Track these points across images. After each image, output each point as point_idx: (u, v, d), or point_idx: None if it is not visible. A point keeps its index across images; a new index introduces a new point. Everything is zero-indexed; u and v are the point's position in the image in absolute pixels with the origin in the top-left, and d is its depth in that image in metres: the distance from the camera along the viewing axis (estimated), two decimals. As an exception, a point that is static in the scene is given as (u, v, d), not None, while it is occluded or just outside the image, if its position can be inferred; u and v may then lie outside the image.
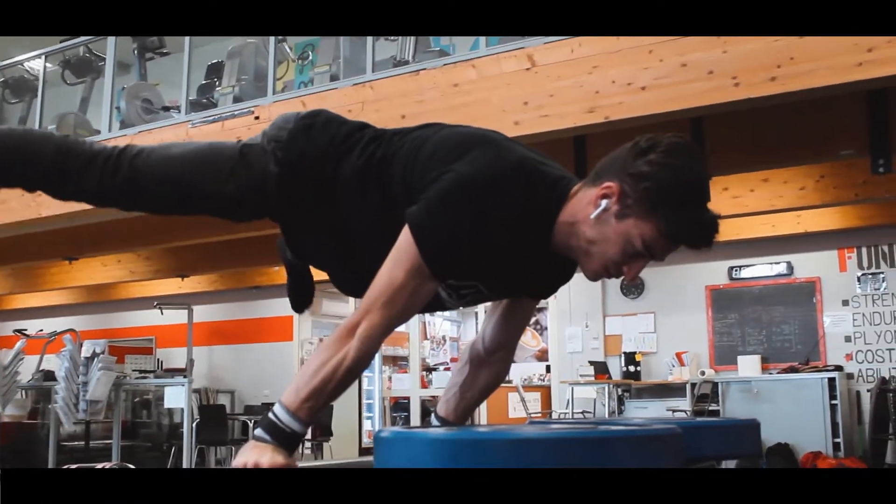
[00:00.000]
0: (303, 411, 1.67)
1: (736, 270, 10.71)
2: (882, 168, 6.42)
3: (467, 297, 1.95)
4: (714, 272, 10.78)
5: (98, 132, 8.06)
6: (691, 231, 1.75)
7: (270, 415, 1.72)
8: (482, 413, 11.03)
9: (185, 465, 8.52)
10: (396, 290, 1.68)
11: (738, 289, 10.69)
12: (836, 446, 9.71)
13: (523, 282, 1.97)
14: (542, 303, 11.89)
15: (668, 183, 1.68)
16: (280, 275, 12.73)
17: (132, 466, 5.49)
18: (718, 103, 5.10)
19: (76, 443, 10.41)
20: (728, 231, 9.95)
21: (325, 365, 1.67)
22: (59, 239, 9.57)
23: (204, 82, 7.91)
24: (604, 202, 1.71)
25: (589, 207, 1.73)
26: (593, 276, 1.82)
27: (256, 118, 6.73)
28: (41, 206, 7.88)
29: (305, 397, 1.67)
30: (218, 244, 9.98)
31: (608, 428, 1.22)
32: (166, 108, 8.10)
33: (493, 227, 1.69)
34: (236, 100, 7.16)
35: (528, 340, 16.14)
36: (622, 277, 1.80)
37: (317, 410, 1.69)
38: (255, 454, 1.65)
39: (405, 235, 1.70)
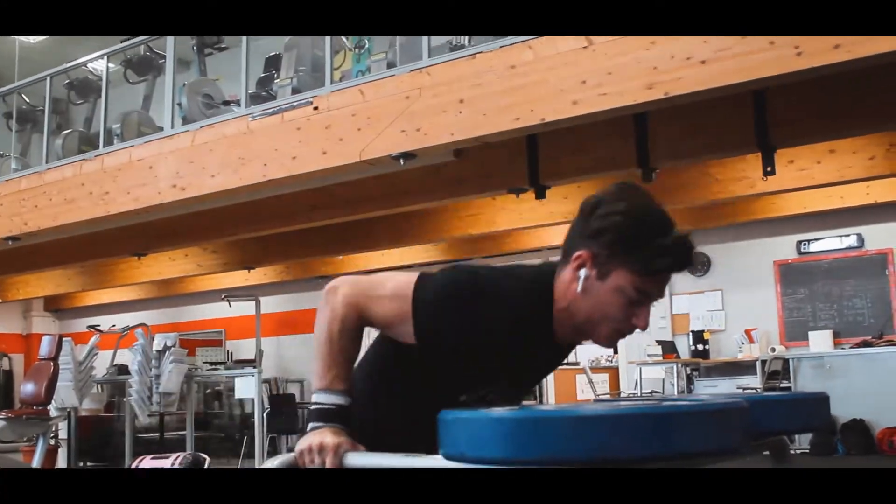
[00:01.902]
0: (332, 382, 1.75)
1: (805, 244, 10.53)
2: (954, 134, 6.26)
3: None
4: (782, 247, 10.61)
5: (161, 129, 8.17)
6: (666, 259, 1.73)
7: (312, 406, 1.78)
8: (550, 395, 11.01)
9: (257, 455, 8.64)
10: (380, 293, 1.81)
11: (807, 263, 10.51)
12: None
13: (523, 376, 2.01)
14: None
15: (624, 226, 1.73)
16: (345, 264, 12.90)
17: (206, 457, 5.57)
18: (781, 74, 5.00)
19: (151, 434, 10.62)
20: (795, 204, 9.81)
21: (322, 334, 1.79)
22: (127, 236, 9.73)
23: (262, 75, 7.99)
24: (582, 272, 1.76)
25: (572, 284, 1.78)
26: (608, 342, 1.84)
27: (315, 108, 6.77)
28: (109, 204, 8.03)
29: (325, 370, 1.76)
30: (282, 235, 10.07)
31: (673, 403, 1.21)
32: (227, 103, 8.19)
33: (489, 326, 1.76)
34: (295, 91, 7.21)
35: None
36: (638, 326, 1.80)
37: (344, 376, 1.77)
38: (315, 436, 1.68)
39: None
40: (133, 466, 5.61)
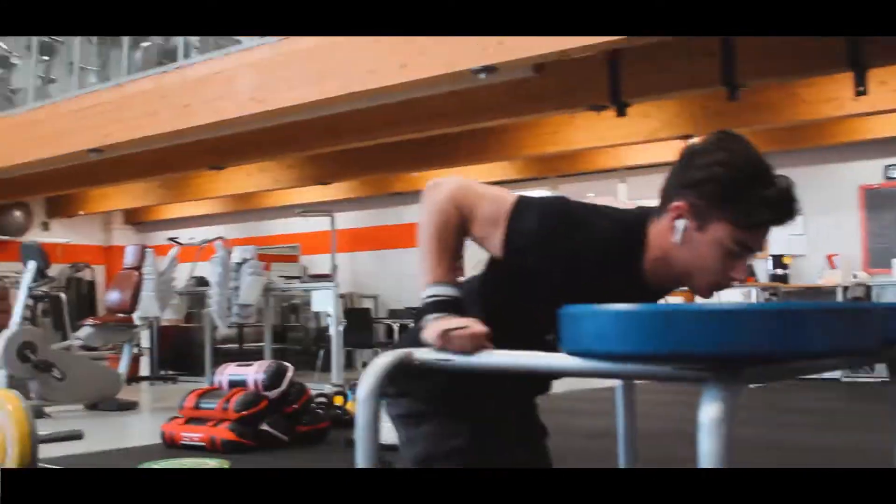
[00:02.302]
0: (445, 275, 1.71)
1: (892, 169, 10.25)
2: None
3: None
4: (868, 171, 10.34)
5: (240, 41, 8.16)
6: (767, 211, 1.66)
7: (428, 298, 1.71)
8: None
9: (333, 368, 8.75)
10: (482, 192, 1.79)
11: (894, 188, 10.25)
12: None
13: None
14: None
15: (725, 176, 1.67)
16: (421, 181, 12.86)
17: (289, 365, 5.69)
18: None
19: (230, 345, 10.85)
20: (884, 127, 9.55)
21: (429, 227, 1.73)
22: (206, 149, 9.81)
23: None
24: (680, 223, 1.71)
25: (669, 234, 1.73)
26: (706, 293, 1.78)
27: (397, 21, 6.69)
28: (190, 117, 8.08)
29: (436, 263, 1.71)
30: (359, 151, 10.09)
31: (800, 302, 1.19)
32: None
33: (576, 261, 1.74)
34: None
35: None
36: (735, 279, 1.75)
37: (451, 266, 1.73)
38: (440, 323, 1.62)
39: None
40: (218, 373, 5.77)
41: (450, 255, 1.71)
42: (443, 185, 1.76)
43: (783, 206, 1.67)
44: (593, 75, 7.45)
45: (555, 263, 1.72)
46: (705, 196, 1.68)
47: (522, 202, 1.77)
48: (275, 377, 5.41)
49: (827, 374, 9.59)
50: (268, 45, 7.56)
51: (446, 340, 1.57)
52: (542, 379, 1.94)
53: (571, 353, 1.30)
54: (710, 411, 1.10)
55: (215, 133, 8.80)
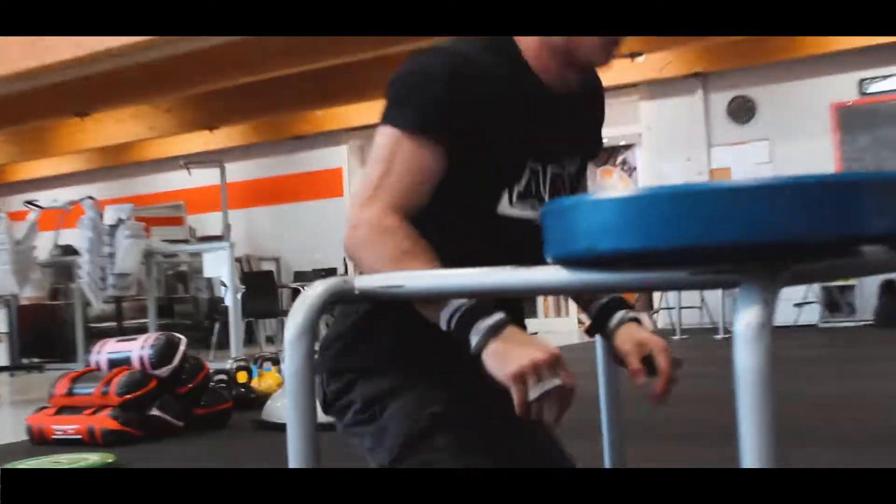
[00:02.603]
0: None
1: (867, 83, 10.36)
2: None
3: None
4: (841, 86, 10.43)
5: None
6: None
7: (457, 310, 1.50)
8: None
9: (232, 343, 8.58)
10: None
11: (870, 105, 10.34)
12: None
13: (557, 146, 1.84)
14: (629, 139, 11.66)
15: None
16: (326, 120, 12.71)
17: (181, 337, 5.51)
18: None
19: (107, 324, 10.58)
20: (857, 36, 9.62)
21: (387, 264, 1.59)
22: (67, 92, 9.50)
23: None
24: None
25: None
26: (605, 54, 1.71)
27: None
28: (46, 53, 7.78)
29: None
30: (251, 87, 9.85)
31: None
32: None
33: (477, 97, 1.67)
34: None
35: (615, 184, 15.99)
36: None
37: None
38: (529, 349, 1.43)
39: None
40: (95, 352, 5.56)
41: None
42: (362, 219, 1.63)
43: None
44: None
45: (459, 113, 1.64)
46: None
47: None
48: (164, 352, 5.22)
49: (803, 320, 9.71)
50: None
51: (534, 375, 1.39)
52: (516, 311, 1.76)
53: (561, 260, 1.18)
54: (747, 317, 0.99)
55: (77, 73, 8.51)
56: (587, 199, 1.08)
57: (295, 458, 1.36)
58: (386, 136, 1.64)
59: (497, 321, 1.44)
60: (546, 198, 1.77)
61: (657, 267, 1.10)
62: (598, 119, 2.00)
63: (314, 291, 1.37)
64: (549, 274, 1.20)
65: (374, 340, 1.77)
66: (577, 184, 1.93)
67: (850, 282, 10.07)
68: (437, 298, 1.47)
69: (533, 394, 1.38)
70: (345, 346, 1.80)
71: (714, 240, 0.98)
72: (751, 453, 0.98)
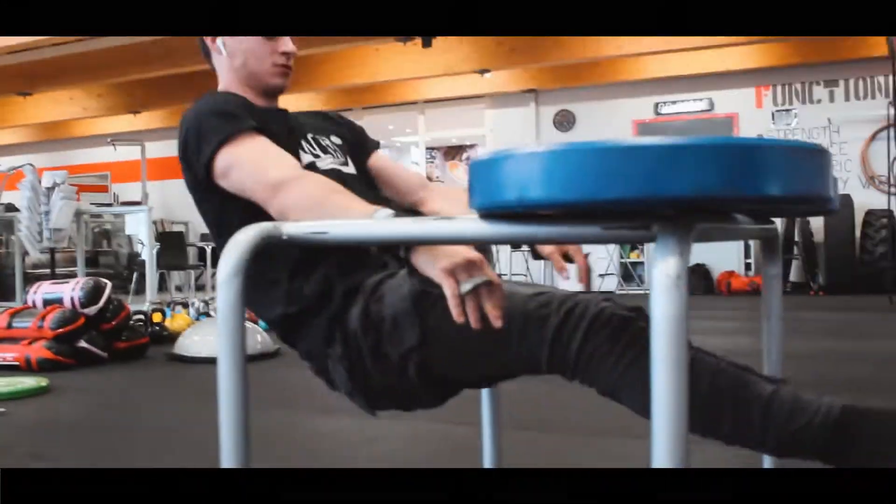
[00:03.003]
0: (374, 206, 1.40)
1: (661, 105, 10.50)
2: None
3: (330, 152, 1.80)
4: (641, 107, 10.55)
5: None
6: None
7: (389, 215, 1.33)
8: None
9: (148, 289, 8.19)
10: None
11: (662, 123, 10.49)
12: (747, 266, 9.79)
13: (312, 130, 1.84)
14: (474, 139, 11.56)
15: None
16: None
17: (107, 281, 5.17)
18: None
19: (41, 270, 10.00)
20: (656, 68, 9.75)
21: (319, 201, 1.46)
22: (11, 74, 8.95)
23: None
24: (217, 41, 1.79)
25: (221, 60, 1.81)
26: (279, 76, 1.79)
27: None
28: (-5, 38, 7.28)
29: (355, 203, 1.42)
30: (170, 79, 9.42)
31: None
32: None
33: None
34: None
35: (460, 175, 15.92)
36: (288, 49, 1.79)
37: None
38: (441, 253, 1.25)
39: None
40: (31, 292, 5.19)
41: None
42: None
43: None
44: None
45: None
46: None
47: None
48: (93, 294, 4.88)
49: (605, 287, 9.79)
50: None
51: (464, 272, 1.22)
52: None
53: (484, 215, 1.02)
54: (667, 267, 0.85)
55: (21, 58, 8.01)
56: (519, 150, 0.92)
57: (227, 388, 1.16)
58: (235, 147, 1.57)
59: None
60: (320, 154, 1.75)
61: (576, 220, 0.95)
62: (340, 123, 1.97)
63: (245, 236, 1.18)
64: (474, 226, 1.03)
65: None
66: (350, 153, 1.87)
67: (640, 259, 10.20)
68: (360, 246, 1.30)
69: (465, 287, 1.21)
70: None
71: (638, 193, 0.84)
72: (664, 395, 0.85)
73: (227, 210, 1.63)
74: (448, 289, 1.21)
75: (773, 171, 0.87)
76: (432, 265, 1.23)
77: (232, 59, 1.77)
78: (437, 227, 1.09)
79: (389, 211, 1.28)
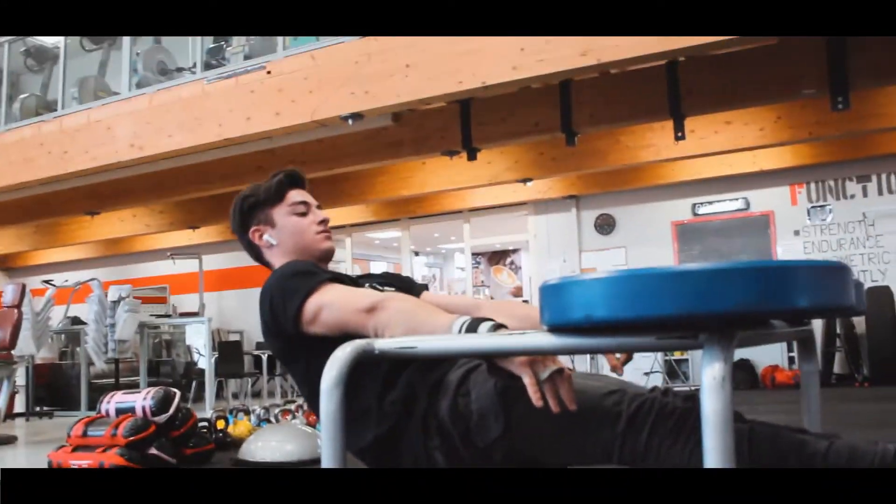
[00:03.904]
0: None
1: (699, 206, 10.64)
2: (840, 105, 6.35)
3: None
4: (679, 209, 10.70)
5: (117, 93, 7.83)
6: (273, 183, 2.11)
7: (469, 325, 1.49)
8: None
9: (207, 397, 8.39)
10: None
11: (700, 223, 10.63)
12: (790, 360, 9.75)
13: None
14: (517, 244, 11.76)
15: (246, 196, 2.12)
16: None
17: (176, 391, 5.36)
18: (692, 46, 4.96)
19: (105, 380, 10.25)
20: (691, 171, 9.92)
21: (411, 318, 1.64)
22: (82, 195, 9.34)
23: (212, 46, 7.66)
24: (264, 235, 2.09)
25: (270, 248, 2.10)
26: (325, 244, 2.10)
27: (268, 73, 6.54)
28: (68, 163, 7.66)
29: (442, 316, 1.59)
30: (227, 196, 9.73)
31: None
32: (180, 69, 7.87)
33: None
34: (247, 58, 6.93)
35: (504, 279, 16.09)
36: (323, 219, 2.11)
37: None
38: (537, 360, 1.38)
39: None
40: (105, 402, 5.37)
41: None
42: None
43: (279, 174, 2.11)
44: (446, 125, 7.48)
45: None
46: (251, 213, 2.08)
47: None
48: (163, 403, 5.07)
49: (650, 385, 9.77)
50: (145, 94, 7.28)
51: (540, 364, 1.37)
52: None
53: (553, 330, 1.17)
54: (713, 371, 1.00)
55: (92, 180, 8.37)
56: (584, 276, 1.08)
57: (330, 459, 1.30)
58: (320, 295, 1.76)
59: (494, 324, 1.43)
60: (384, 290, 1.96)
61: (632, 333, 1.10)
62: (388, 276, 2.22)
63: (343, 352, 1.34)
64: (544, 339, 1.19)
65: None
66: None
67: (685, 356, 10.22)
68: (445, 358, 1.45)
69: (543, 375, 1.35)
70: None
71: (687, 309, 0.99)
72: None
73: (317, 363, 1.77)
74: (527, 378, 1.36)
75: (800, 287, 1.02)
76: (512, 360, 1.38)
77: (283, 244, 2.04)
78: (514, 342, 1.24)
79: (466, 317, 1.45)
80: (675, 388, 1.50)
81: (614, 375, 1.66)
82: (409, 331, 1.50)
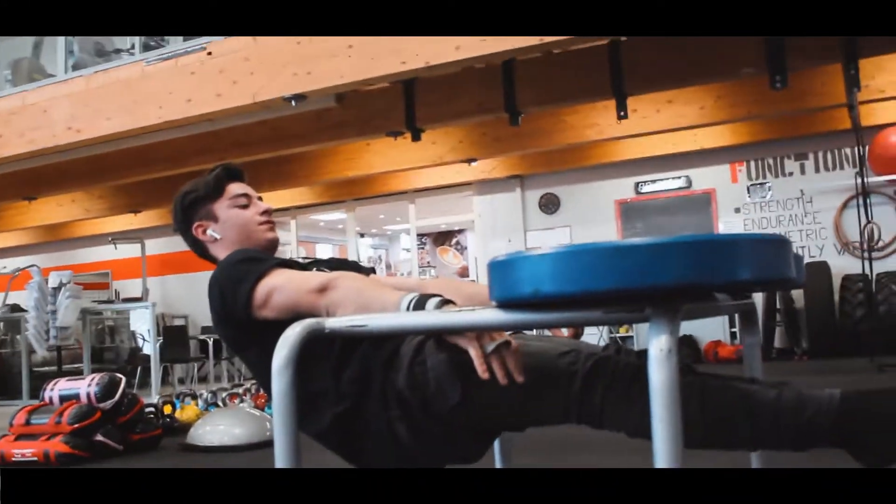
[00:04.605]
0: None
1: (642, 185, 10.76)
2: (779, 84, 6.46)
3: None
4: (622, 187, 10.81)
5: (53, 76, 7.65)
6: (212, 176, 2.12)
7: (424, 300, 1.49)
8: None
9: (154, 383, 8.30)
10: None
11: (643, 201, 10.75)
12: (732, 335, 9.94)
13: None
14: (463, 224, 11.79)
15: (187, 193, 2.14)
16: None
17: (121, 376, 5.29)
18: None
19: (48, 368, 10.08)
20: (634, 150, 10.01)
21: (357, 296, 1.64)
22: (18, 180, 9.13)
23: (151, 25, 7.50)
24: (208, 230, 2.08)
25: (213, 243, 2.09)
26: (267, 231, 2.10)
27: (209, 53, 6.43)
28: (3, 147, 7.47)
29: (387, 293, 1.59)
30: (168, 179, 9.61)
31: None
32: (118, 51, 7.71)
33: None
34: (186, 39, 6.81)
35: (450, 260, 16.13)
36: (264, 210, 2.12)
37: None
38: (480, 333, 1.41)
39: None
40: (48, 389, 5.29)
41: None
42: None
43: (214, 171, 2.12)
44: (390, 105, 7.44)
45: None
46: (192, 209, 2.09)
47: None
48: (108, 389, 5.00)
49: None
50: (83, 76, 7.12)
51: (486, 336, 1.39)
52: None
53: (502, 305, 1.19)
54: (659, 343, 1.02)
55: (29, 164, 8.18)
56: (532, 252, 1.09)
57: (282, 462, 1.31)
58: (269, 279, 1.74)
59: (441, 299, 1.44)
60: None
61: (580, 307, 1.12)
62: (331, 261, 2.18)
63: (293, 331, 1.34)
64: (492, 315, 1.21)
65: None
66: None
67: (630, 332, 10.36)
68: (395, 335, 1.46)
69: (488, 348, 1.37)
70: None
71: (633, 283, 1.01)
72: (663, 451, 1.00)
73: (268, 347, 1.75)
74: (473, 350, 1.37)
75: (742, 260, 1.04)
76: (460, 334, 1.40)
77: (227, 238, 2.04)
78: (463, 318, 1.26)
79: (414, 294, 1.46)
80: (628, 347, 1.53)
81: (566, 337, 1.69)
82: (359, 308, 1.51)
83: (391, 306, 1.46)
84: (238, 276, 1.76)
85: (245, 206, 2.06)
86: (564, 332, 1.67)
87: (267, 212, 2.08)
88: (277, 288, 1.72)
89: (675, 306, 1.04)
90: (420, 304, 1.42)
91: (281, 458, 1.31)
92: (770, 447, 1.46)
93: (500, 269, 1.15)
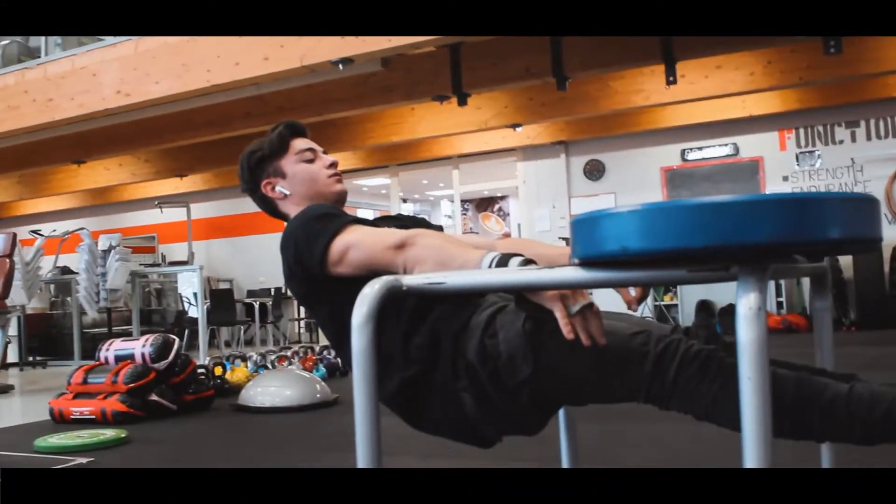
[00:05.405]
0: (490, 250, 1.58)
1: (688, 152, 10.66)
2: (833, 49, 6.35)
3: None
4: (668, 154, 10.72)
5: (102, 39, 7.70)
6: (277, 133, 2.15)
7: (499, 260, 1.50)
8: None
9: (200, 345, 8.41)
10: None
11: (689, 169, 10.65)
12: (779, 305, 9.85)
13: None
14: (506, 191, 11.80)
15: (252, 152, 2.16)
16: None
17: (175, 337, 5.39)
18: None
19: (98, 330, 10.26)
20: (681, 116, 9.91)
21: (439, 255, 1.63)
22: (68, 144, 9.26)
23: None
24: (277, 186, 2.09)
25: (284, 199, 2.10)
26: (336, 182, 2.11)
27: (258, 18, 6.45)
28: (54, 111, 7.57)
29: (471, 251, 1.58)
30: (214, 143, 9.70)
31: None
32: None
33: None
34: (236, 2, 6.83)
35: (492, 226, 16.11)
36: (332, 162, 2.12)
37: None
38: (566, 294, 1.40)
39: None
40: (104, 350, 5.39)
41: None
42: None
43: (279, 126, 2.15)
44: (436, 70, 7.42)
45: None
46: (259, 168, 2.10)
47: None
48: (162, 349, 5.08)
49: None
50: (132, 40, 7.17)
51: (570, 298, 1.39)
52: None
53: (584, 263, 1.19)
54: (748, 301, 1.02)
55: (78, 128, 8.28)
56: (619, 209, 1.09)
57: (362, 424, 1.32)
58: (345, 235, 1.75)
59: (524, 258, 1.44)
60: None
61: (665, 265, 1.12)
62: (403, 217, 2.22)
63: (372, 289, 1.36)
64: (576, 273, 1.21)
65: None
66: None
67: (674, 301, 10.32)
68: (473, 293, 1.47)
69: (573, 309, 1.37)
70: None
71: (721, 241, 1.01)
72: (752, 405, 1.01)
73: (341, 304, 1.70)
74: (558, 311, 1.38)
75: (832, 218, 1.04)
76: (542, 294, 1.40)
77: (296, 193, 2.05)
78: (547, 275, 1.26)
79: (496, 252, 1.47)
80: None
81: (631, 313, 1.69)
82: (438, 265, 1.52)
83: (471, 264, 1.47)
84: (314, 231, 1.77)
85: (311, 161, 2.08)
86: (632, 291, 1.66)
87: (334, 164, 2.09)
88: (354, 244, 1.72)
89: (764, 264, 1.05)
90: (503, 262, 1.42)
91: (361, 415, 1.33)
92: (838, 441, 1.46)
93: (585, 226, 1.16)
